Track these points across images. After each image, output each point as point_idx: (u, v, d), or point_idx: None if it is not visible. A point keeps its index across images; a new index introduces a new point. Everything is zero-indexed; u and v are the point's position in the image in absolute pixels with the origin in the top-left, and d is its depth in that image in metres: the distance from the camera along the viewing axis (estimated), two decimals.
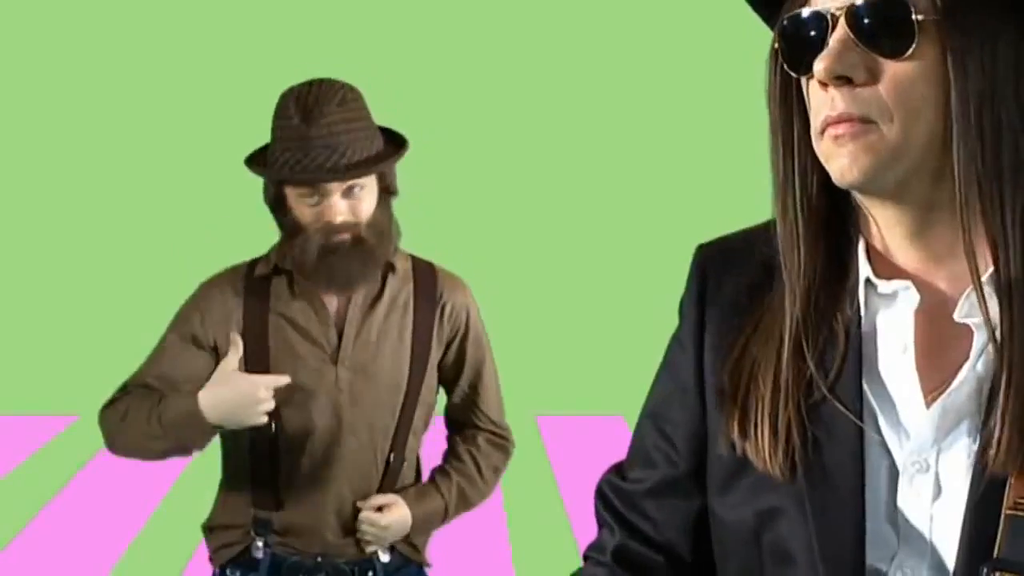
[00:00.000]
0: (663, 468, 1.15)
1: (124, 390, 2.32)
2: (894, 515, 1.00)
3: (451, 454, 2.47)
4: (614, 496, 1.20)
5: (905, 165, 0.96)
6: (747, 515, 1.06)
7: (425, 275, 2.38)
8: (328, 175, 2.18)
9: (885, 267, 1.03)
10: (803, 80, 1.00)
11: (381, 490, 2.35)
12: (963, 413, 0.98)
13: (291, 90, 2.23)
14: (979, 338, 0.98)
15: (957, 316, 0.98)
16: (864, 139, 0.95)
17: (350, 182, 2.21)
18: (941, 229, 0.99)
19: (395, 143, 2.32)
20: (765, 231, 1.07)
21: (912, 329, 1.00)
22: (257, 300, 2.31)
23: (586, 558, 1.22)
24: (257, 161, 2.27)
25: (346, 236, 2.23)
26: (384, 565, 2.37)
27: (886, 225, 1.02)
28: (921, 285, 1.01)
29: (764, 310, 1.07)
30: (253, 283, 2.32)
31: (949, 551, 0.97)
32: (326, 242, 2.22)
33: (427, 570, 2.48)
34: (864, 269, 1.03)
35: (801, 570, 1.02)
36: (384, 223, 2.28)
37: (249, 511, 2.33)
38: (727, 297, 1.11)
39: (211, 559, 2.42)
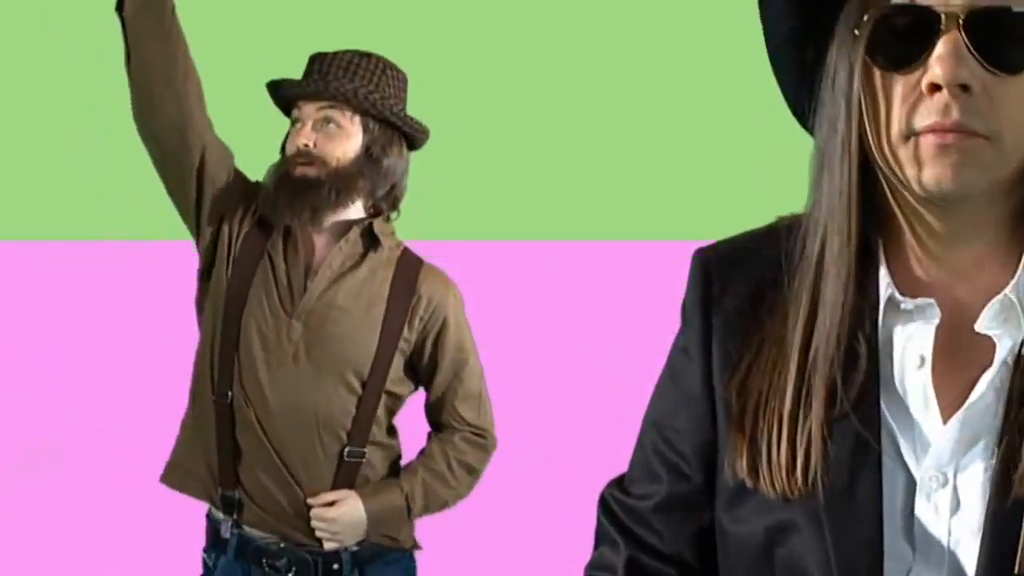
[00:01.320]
0: (669, 483, 1.14)
1: None
2: (910, 529, 0.99)
3: (423, 451, 2.43)
4: (620, 511, 1.18)
5: (995, 181, 0.95)
6: (757, 529, 1.05)
7: (409, 264, 2.36)
8: (293, 84, 2.27)
9: (907, 281, 1.01)
10: (879, 73, 0.96)
11: (337, 483, 2.29)
12: (982, 427, 0.97)
13: None
14: (1000, 350, 0.97)
15: (979, 327, 0.97)
16: (973, 153, 0.92)
17: (325, 112, 2.25)
18: (973, 242, 0.99)
19: (414, 132, 2.36)
20: (767, 234, 1.05)
21: (931, 343, 0.99)
22: (262, 227, 2.31)
23: None
24: None
25: (306, 171, 2.25)
26: (353, 555, 2.32)
27: (927, 233, 1.00)
28: (942, 298, 1.00)
29: (773, 321, 1.04)
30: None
31: (967, 566, 0.96)
32: (285, 172, 2.27)
33: (417, 553, 2.42)
34: (886, 286, 1.01)
35: None
36: (352, 175, 2.28)
37: (215, 486, 2.30)
38: (732, 303, 1.08)
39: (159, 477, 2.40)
